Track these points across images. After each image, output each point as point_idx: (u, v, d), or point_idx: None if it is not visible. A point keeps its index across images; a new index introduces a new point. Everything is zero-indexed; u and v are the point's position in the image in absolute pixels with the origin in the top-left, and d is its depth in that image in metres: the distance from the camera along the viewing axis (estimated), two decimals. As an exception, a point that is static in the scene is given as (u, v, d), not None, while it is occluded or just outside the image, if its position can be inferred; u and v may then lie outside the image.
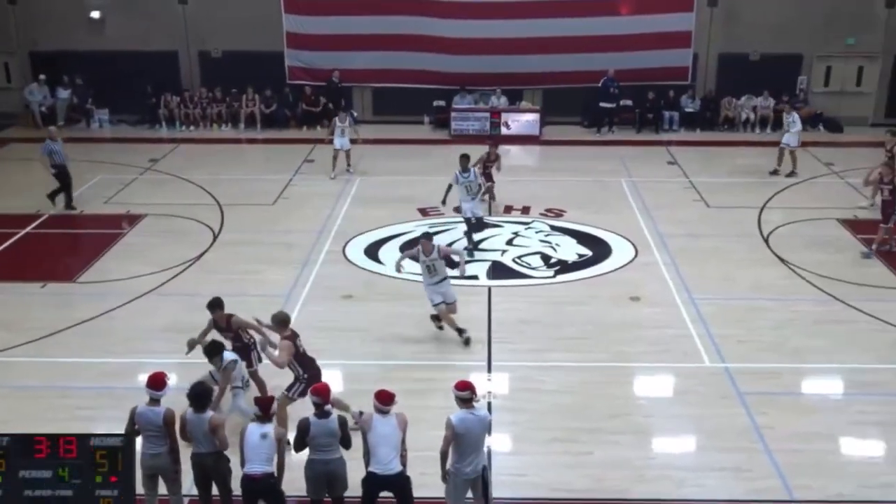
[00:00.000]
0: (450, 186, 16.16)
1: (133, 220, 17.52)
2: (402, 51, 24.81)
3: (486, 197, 17.09)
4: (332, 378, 11.60)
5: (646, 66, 24.50)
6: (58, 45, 25.03)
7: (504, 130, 23.91)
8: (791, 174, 20.14)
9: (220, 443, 8.27)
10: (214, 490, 8.50)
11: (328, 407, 8.18)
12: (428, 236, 12.39)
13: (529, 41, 24.36)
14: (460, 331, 12.35)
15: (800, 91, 24.96)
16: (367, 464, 8.16)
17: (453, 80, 24.89)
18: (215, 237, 16.60)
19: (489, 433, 8.32)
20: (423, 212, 17.84)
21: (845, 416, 10.72)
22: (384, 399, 8.09)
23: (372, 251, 15.89)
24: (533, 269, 15.06)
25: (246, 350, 10.67)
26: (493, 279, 14.67)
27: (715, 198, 18.71)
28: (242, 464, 8.04)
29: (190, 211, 17.87)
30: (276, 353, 9.80)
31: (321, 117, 24.77)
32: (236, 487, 8.26)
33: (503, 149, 21.29)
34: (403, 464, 8.16)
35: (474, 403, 8.14)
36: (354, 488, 8.31)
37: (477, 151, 22.14)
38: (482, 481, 8.30)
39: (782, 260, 15.36)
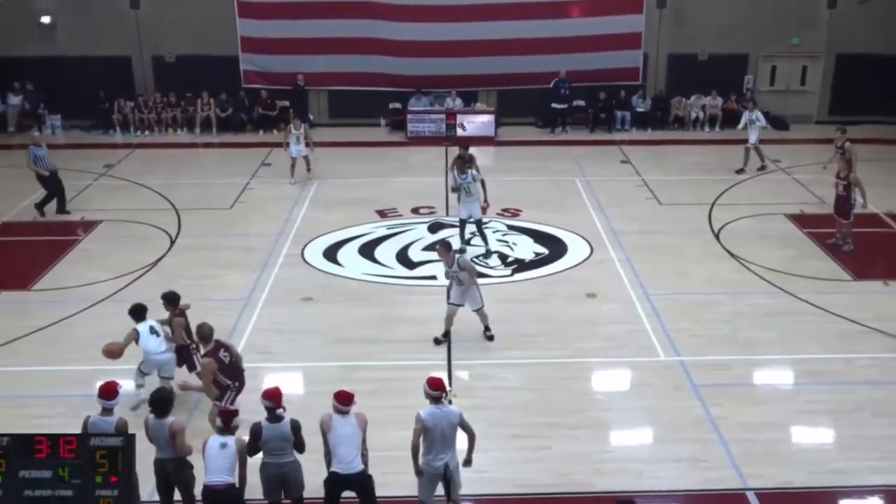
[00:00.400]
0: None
1: (88, 226, 17.36)
2: (358, 54, 24.84)
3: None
4: (293, 380, 11.75)
5: (597, 67, 24.86)
6: (8, 50, 24.58)
7: (460, 132, 24.06)
8: (762, 168, 20.60)
9: (180, 449, 8.27)
10: (177, 496, 8.52)
11: (280, 411, 8.22)
12: (445, 245, 12.33)
13: (483, 43, 24.56)
14: (445, 335, 12.53)
15: (747, 90, 25.50)
16: (328, 464, 8.25)
17: (409, 82, 24.99)
18: (172, 242, 16.52)
19: (467, 429, 8.42)
20: (382, 213, 17.93)
21: (795, 406, 11.03)
22: (343, 399, 8.18)
23: (331, 253, 15.94)
24: (491, 268, 15.24)
25: (186, 351, 10.72)
26: (451, 279, 14.80)
27: (667, 195, 19.07)
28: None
29: (146, 216, 17.75)
30: (196, 382, 10.05)
31: (277, 121, 24.73)
32: (200, 494, 8.26)
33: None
34: (365, 463, 8.26)
35: (444, 401, 8.30)
36: (316, 490, 8.39)
37: (434, 153, 22.25)
38: (445, 481, 8.44)
39: (733, 255, 15.72)
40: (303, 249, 16.08)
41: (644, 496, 9.14)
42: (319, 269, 15.30)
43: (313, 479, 8.46)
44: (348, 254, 15.91)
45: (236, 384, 9.95)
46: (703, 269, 15.12)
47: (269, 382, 10.65)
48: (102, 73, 24.44)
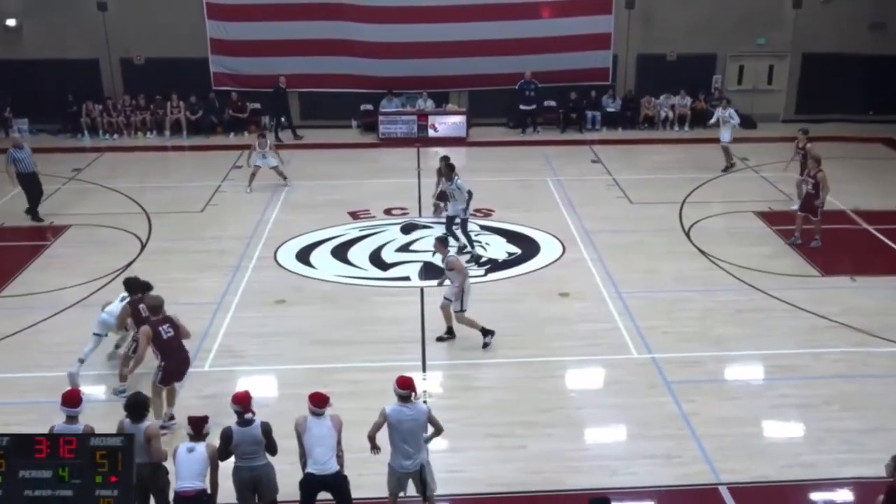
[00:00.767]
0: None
1: (57, 230, 17.17)
2: (329, 56, 24.76)
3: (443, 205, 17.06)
4: (267, 383, 11.69)
5: (567, 68, 25.00)
6: (-28, 54, 24.32)
7: (431, 133, 24.09)
8: (726, 168, 20.75)
9: (155, 453, 8.21)
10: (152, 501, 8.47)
11: (249, 415, 8.18)
12: (442, 240, 12.60)
13: (454, 44, 24.61)
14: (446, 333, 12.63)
15: (715, 89, 25.76)
16: (303, 466, 8.24)
17: (380, 83, 24.97)
18: (143, 246, 16.38)
19: (435, 424, 8.44)
20: (354, 215, 17.90)
21: (766, 400, 11.17)
22: (317, 401, 8.18)
23: (303, 256, 15.88)
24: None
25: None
26: (425, 280, 14.80)
27: (637, 194, 19.21)
28: None
29: (116, 220, 17.57)
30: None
31: (248, 123, 24.63)
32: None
33: (432, 151, 21.56)
34: (341, 464, 8.25)
35: (413, 400, 8.32)
36: (291, 493, 8.36)
37: (406, 154, 22.30)
38: (420, 481, 8.47)
39: (703, 252, 15.87)
40: (275, 252, 16.01)
41: (619, 493, 9.18)
42: (292, 272, 15.24)
43: (288, 482, 8.43)
44: (321, 256, 15.86)
45: (163, 364, 10.22)
46: (674, 267, 15.25)
47: (242, 386, 10.67)
48: (70, 77, 24.23)
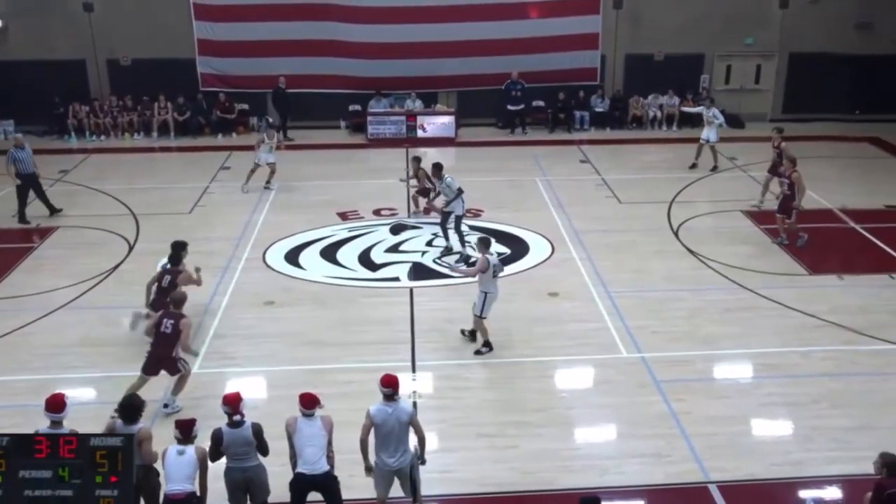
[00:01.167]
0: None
1: (44, 232, 17.09)
2: (316, 56, 24.72)
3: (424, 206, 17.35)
4: (257, 385, 11.66)
5: (556, 68, 25.06)
6: (-43, 55, 24.18)
7: (420, 133, 24.09)
8: (714, 169, 20.81)
9: (146, 456, 8.18)
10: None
11: (237, 417, 8.17)
12: (483, 241, 12.54)
13: (443, 45, 24.62)
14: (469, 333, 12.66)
15: (703, 89, 25.85)
16: (294, 467, 8.25)
17: (368, 84, 24.95)
18: (131, 247, 16.32)
19: (417, 429, 8.44)
20: (343, 216, 17.88)
21: (755, 399, 11.22)
22: (307, 402, 8.19)
23: (292, 257, 15.86)
24: (448, 266, 15.22)
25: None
26: (414, 280, 14.81)
27: (626, 194, 19.26)
28: None
29: (104, 222, 17.49)
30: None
31: (236, 124, 24.57)
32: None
33: (421, 151, 21.55)
34: (331, 465, 8.26)
35: (396, 399, 8.31)
36: (282, 494, 8.35)
37: (395, 154, 22.27)
38: (410, 481, 8.47)
39: (692, 252, 15.93)
40: (264, 253, 15.98)
41: (609, 492, 9.21)
42: (281, 273, 15.21)
43: (279, 483, 8.42)
44: (310, 257, 15.83)
45: (147, 351, 10.82)
46: (662, 267, 15.29)
47: (232, 387, 10.67)
48: (57, 78, 24.10)
